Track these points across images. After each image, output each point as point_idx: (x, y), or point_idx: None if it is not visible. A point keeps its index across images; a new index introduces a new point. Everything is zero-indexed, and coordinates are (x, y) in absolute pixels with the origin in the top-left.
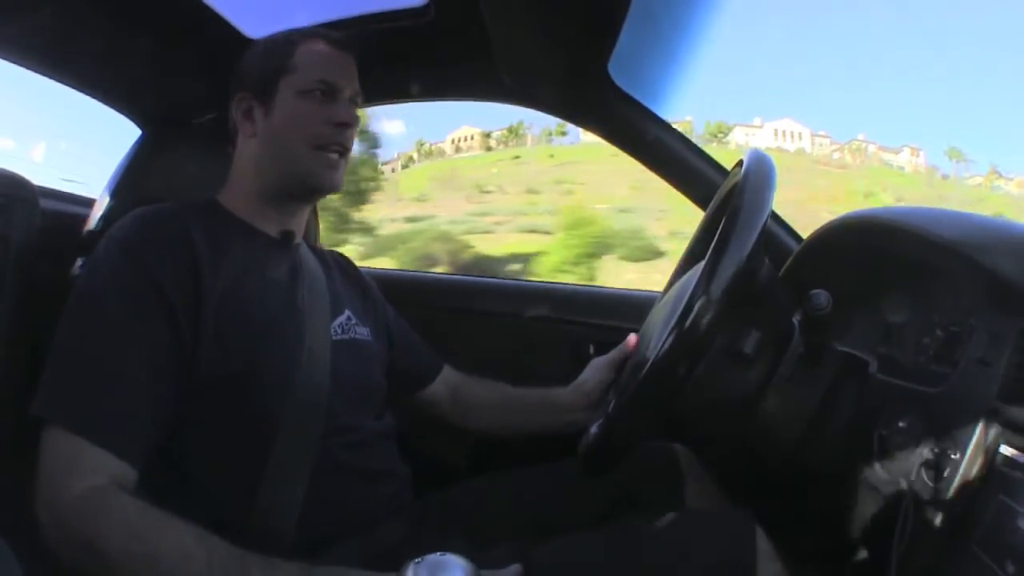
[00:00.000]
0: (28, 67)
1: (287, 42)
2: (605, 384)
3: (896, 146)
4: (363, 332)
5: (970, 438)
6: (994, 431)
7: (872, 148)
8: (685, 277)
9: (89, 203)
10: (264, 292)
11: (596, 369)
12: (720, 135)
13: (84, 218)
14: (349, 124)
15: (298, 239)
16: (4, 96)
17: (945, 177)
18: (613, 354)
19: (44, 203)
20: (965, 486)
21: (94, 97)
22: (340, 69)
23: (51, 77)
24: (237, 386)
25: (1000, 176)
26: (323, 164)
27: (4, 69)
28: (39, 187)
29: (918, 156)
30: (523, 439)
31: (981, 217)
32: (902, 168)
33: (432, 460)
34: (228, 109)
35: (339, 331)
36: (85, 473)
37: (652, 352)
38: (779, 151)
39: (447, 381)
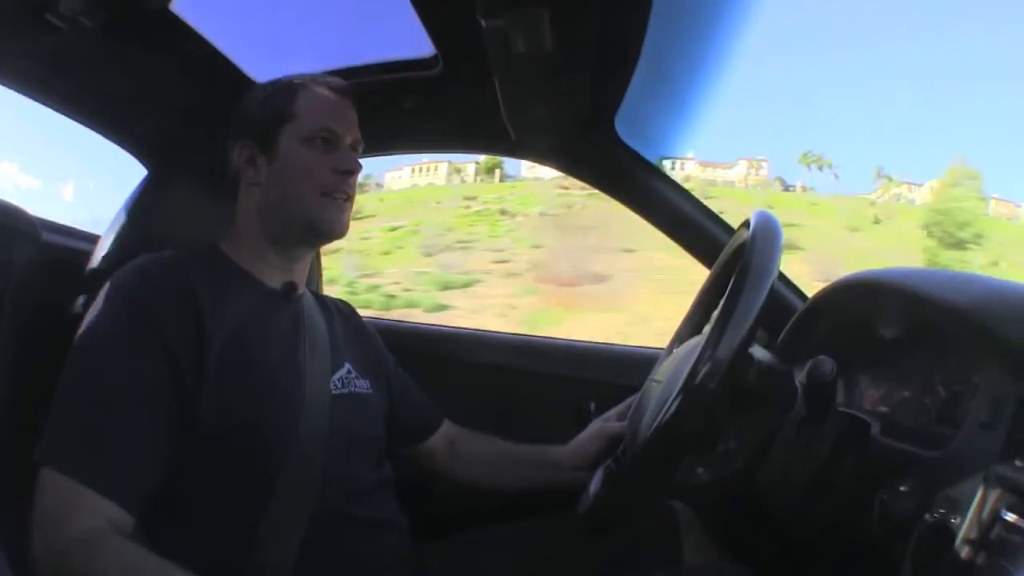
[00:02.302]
0: (38, 100)
1: (287, 89)
2: (602, 453)
3: (729, 161)
4: (363, 384)
5: (971, 502)
6: (995, 495)
7: (690, 166)
8: (690, 342)
9: (92, 239)
10: (265, 346)
11: (593, 438)
12: (495, 168)
13: (87, 254)
14: (353, 172)
15: (301, 289)
16: (29, 136)
17: (788, 188)
18: (613, 425)
19: (46, 236)
20: (965, 551)
21: (100, 134)
22: (341, 116)
23: (60, 112)
24: (236, 438)
25: (897, 182)
26: (332, 210)
27: (28, 109)
28: (41, 220)
29: (758, 169)
30: (520, 493)
31: (986, 279)
32: (731, 183)
33: (432, 509)
34: (231, 157)
35: (339, 385)
36: (83, 516)
37: (656, 418)
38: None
39: (446, 435)
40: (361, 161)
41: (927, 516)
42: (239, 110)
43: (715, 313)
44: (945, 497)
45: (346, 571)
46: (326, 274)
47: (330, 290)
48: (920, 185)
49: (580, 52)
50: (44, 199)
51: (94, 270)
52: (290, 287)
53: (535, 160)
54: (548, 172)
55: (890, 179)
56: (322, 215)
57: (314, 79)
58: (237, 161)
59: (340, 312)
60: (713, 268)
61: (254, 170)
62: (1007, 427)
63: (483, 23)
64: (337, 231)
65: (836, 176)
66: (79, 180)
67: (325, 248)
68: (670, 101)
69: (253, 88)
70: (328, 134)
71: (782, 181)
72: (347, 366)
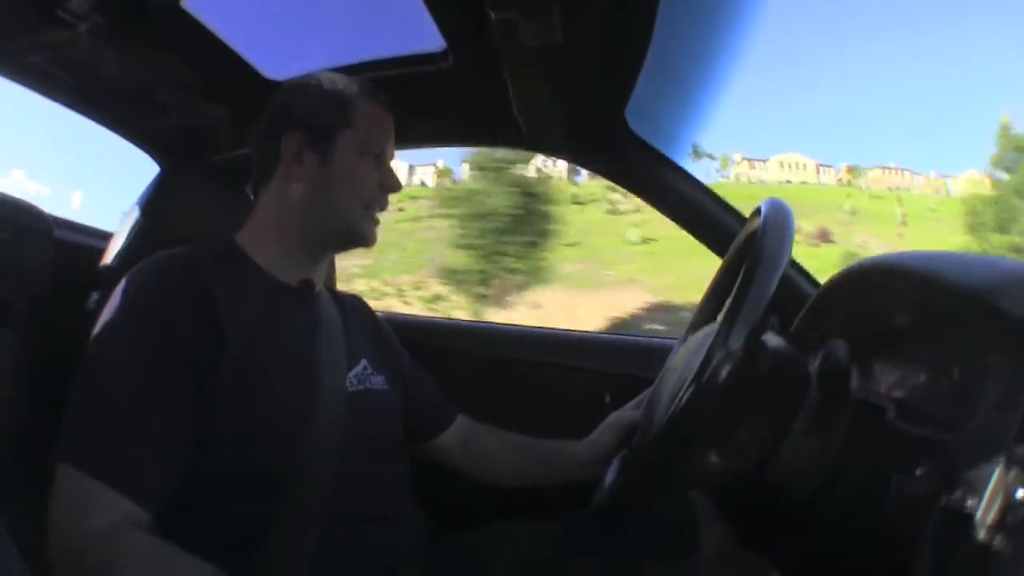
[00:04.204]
0: (50, 97)
1: (346, 94)
2: (619, 444)
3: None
4: (378, 381)
5: (987, 484)
6: (1012, 475)
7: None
8: (703, 330)
9: (105, 236)
10: (282, 344)
11: (610, 428)
12: None
13: (100, 251)
14: (396, 191)
15: (318, 287)
16: (40, 144)
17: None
18: (629, 414)
19: (59, 233)
20: (982, 532)
21: (113, 131)
22: (391, 135)
23: (72, 109)
24: (251, 434)
25: (736, 160)
26: (370, 221)
27: (40, 115)
28: (54, 217)
29: (555, 161)
30: (537, 488)
31: (1000, 260)
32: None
33: (447, 504)
34: (269, 146)
35: (355, 382)
36: (101, 512)
37: (670, 407)
38: None
39: (460, 430)
40: None
41: (943, 499)
42: (287, 102)
43: (727, 302)
44: (962, 479)
45: (360, 567)
46: None
47: None
48: (765, 160)
49: (590, 44)
50: (54, 205)
51: (107, 267)
52: (307, 284)
53: (546, 153)
54: None
55: (726, 158)
56: (363, 226)
57: (366, 91)
58: (284, 151)
59: (355, 309)
60: (725, 257)
61: (301, 166)
62: (1023, 407)
63: (493, 16)
64: (371, 242)
65: None
66: (87, 188)
67: None
68: (681, 92)
69: (306, 82)
70: (381, 150)
71: (573, 170)
72: (363, 362)
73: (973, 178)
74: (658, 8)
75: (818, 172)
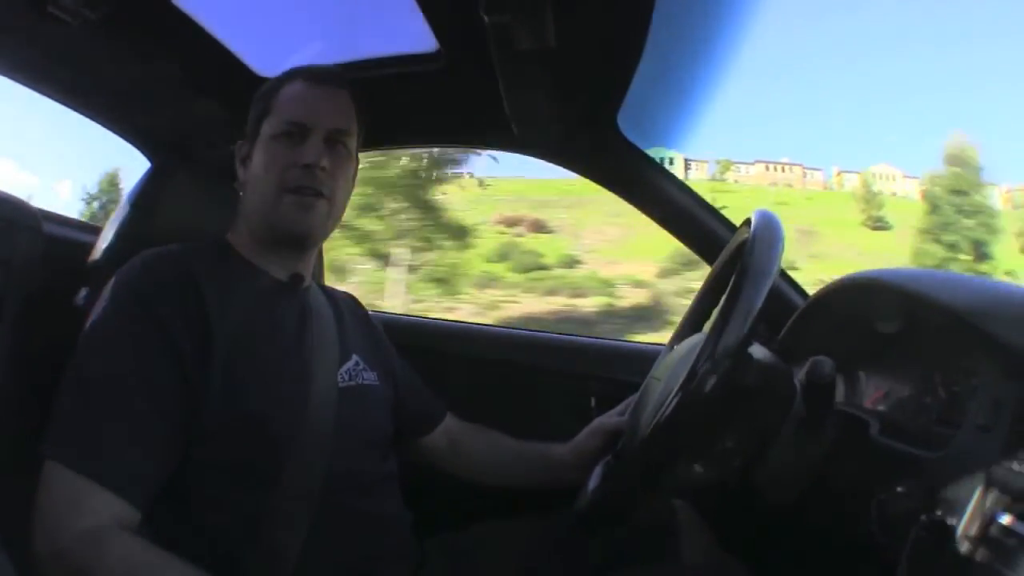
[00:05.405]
0: (41, 92)
1: (275, 83)
2: (603, 449)
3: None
4: (370, 377)
5: (968, 504)
6: (992, 497)
7: None
8: (690, 340)
9: (94, 231)
10: (272, 339)
11: (594, 434)
12: None
13: (89, 246)
14: (315, 164)
15: (307, 282)
16: (29, 133)
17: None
18: (613, 419)
19: (48, 228)
20: (961, 553)
21: (103, 126)
22: (313, 107)
23: (63, 104)
24: (242, 430)
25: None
26: (291, 208)
27: (29, 105)
28: (42, 211)
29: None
30: (522, 490)
31: (984, 281)
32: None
33: (434, 504)
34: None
35: (346, 377)
36: (87, 512)
37: (655, 416)
38: None
39: (447, 430)
40: None
41: (924, 517)
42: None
43: (715, 312)
44: (942, 499)
45: (349, 565)
46: None
47: None
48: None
49: (583, 48)
50: (43, 195)
51: (96, 262)
52: (296, 279)
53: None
54: None
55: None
56: (280, 214)
57: (297, 72)
58: (236, 161)
59: (347, 305)
60: (714, 266)
61: (244, 168)
62: (1006, 430)
63: (486, 19)
64: (298, 231)
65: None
66: (75, 178)
67: None
68: (673, 97)
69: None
70: (295, 127)
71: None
72: (355, 358)
73: (881, 172)
74: (653, 12)
75: (687, 168)
